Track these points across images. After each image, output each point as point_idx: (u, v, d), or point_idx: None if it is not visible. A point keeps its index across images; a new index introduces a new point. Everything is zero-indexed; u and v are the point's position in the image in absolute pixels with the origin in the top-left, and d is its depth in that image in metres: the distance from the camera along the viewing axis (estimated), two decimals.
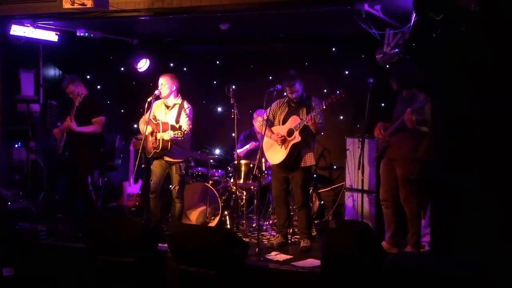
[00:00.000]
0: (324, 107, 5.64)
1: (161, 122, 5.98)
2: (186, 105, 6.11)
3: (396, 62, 5.94)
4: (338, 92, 5.58)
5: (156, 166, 6.20)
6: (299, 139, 5.72)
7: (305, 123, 5.66)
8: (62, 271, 5.59)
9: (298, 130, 5.72)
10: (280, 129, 5.88)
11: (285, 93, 6.02)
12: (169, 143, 5.90)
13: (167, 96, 6.09)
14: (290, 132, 5.79)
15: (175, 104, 6.11)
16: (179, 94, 6.16)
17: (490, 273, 3.95)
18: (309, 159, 5.82)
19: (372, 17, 5.34)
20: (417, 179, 5.48)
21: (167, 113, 6.13)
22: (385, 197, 5.71)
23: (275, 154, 5.91)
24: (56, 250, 5.83)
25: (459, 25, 4.53)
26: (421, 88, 5.53)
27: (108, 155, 7.54)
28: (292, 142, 5.75)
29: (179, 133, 5.76)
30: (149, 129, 6.00)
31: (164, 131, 5.88)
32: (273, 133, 5.89)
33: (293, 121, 5.80)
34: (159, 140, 5.90)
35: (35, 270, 5.71)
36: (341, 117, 7.47)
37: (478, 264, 4.06)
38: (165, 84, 6.05)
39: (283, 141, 5.80)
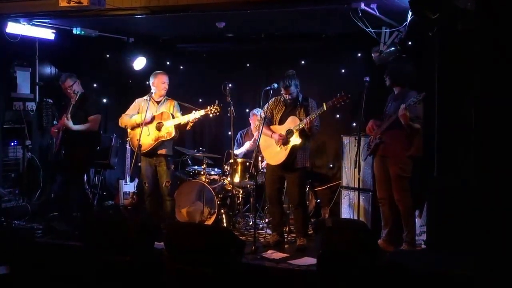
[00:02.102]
0: (326, 109, 5.54)
1: (164, 112, 6.11)
2: (173, 101, 6.27)
3: (392, 60, 5.96)
4: (339, 94, 5.50)
5: (146, 168, 6.27)
6: (300, 140, 5.70)
7: (302, 125, 5.62)
8: (58, 270, 5.57)
9: (298, 131, 5.69)
10: (279, 129, 5.84)
11: (282, 92, 6.01)
12: (177, 129, 6.02)
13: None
14: (290, 133, 5.74)
15: (165, 99, 6.24)
16: None
17: (486, 272, 3.96)
18: (304, 161, 5.80)
19: (368, 16, 5.35)
20: (410, 176, 5.49)
21: (159, 108, 6.20)
22: (382, 195, 5.71)
23: (274, 155, 5.85)
24: (52, 248, 5.82)
25: (455, 24, 4.53)
26: (413, 87, 5.55)
27: (104, 154, 7.53)
28: (292, 144, 5.72)
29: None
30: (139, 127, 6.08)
31: (168, 119, 6.03)
32: (273, 132, 5.85)
33: (293, 122, 5.74)
34: (169, 127, 6.00)
35: (31, 269, 5.69)
36: (338, 116, 7.46)
37: (474, 263, 4.06)
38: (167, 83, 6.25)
39: (285, 142, 5.77)
